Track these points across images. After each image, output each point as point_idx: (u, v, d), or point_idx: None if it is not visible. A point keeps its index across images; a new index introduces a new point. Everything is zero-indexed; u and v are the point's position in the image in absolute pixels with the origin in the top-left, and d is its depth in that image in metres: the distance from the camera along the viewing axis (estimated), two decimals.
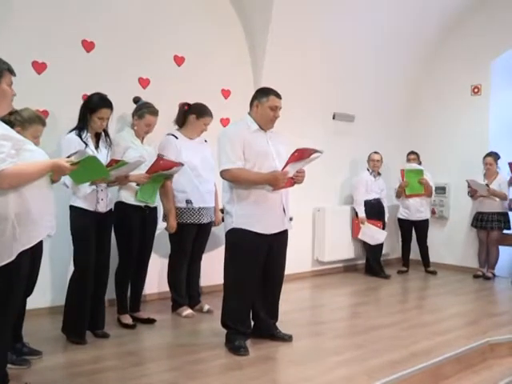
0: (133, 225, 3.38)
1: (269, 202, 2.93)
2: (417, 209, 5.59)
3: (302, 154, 2.84)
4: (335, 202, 5.73)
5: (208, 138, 3.78)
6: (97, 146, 3.10)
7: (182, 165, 3.45)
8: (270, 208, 2.94)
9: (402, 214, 5.66)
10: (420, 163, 5.67)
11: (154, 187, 3.42)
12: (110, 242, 3.25)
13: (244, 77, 4.80)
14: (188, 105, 3.72)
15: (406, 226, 5.66)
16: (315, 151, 2.87)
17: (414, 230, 5.68)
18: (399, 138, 6.31)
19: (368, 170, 5.60)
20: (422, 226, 5.63)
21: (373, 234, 5.38)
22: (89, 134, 3.06)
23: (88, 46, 3.82)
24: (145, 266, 3.58)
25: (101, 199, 3.08)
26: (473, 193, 5.36)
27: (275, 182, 2.84)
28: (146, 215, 3.45)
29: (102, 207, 3.10)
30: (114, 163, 2.95)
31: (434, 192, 5.62)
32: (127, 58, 4.02)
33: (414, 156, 5.69)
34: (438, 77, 6.09)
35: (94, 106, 3.03)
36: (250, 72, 4.86)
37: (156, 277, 4.20)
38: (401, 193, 5.61)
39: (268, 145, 2.99)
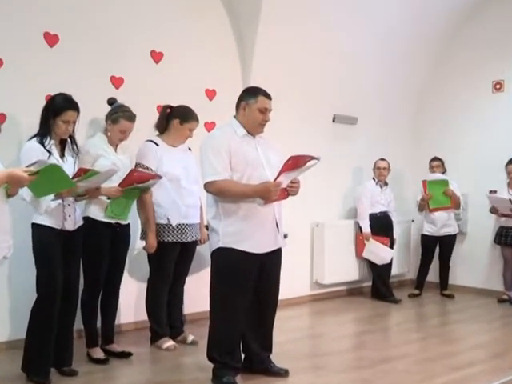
0: (101, 244, 3.37)
1: (260, 217, 2.94)
2: (444, 223, 5.58)
3: (296, 162, 2.86)
4: (336, 215, 5.75)
5: (191, 145, 3.80)
6: (62, 155, 3.07)
7: (160, 177, 3.47)
8: (261, 224, 2.95)
9: (427, 229, 5.64)
10: (445, 171, 5.64)
11: (127, 202, 3.43)
12: (80, 265, 3.24)
13: (231, 75, 4.84)
14: (170, 108, 3.74)
15: (430, 243, 5.63)
16: (311, 158, 2.89)
17: (438, 248, 5.65)
18: (409, 142, 6.36)
19: (373, 179, 5.63)
20: (448, 243, 5.61)
21: (379, 252, 5.40)
22: (52, 141, 3.02)
23: (51, 39, 3.82)
24: (115, 290, 3.57)
25: (68, 215, 3.05)
26: (494, 211, 5.36)
27: (267, 194, 2.86)
28: (117, 233, 3.45)
29: (70, 225, 3.07)
30: (83, 173, 2.90)
31: (462, 203, 5.56)
32: (97, 54, 4.04)
33: (437, 163, 5.65)
34: (453, 72, 6.08)
35: (58, 108, 3.00)
36: (237, 69, 4.90)
37: (132, 303, 4.19)
38: (423, 206, 5.56)
39: (257, 152, 3.01)
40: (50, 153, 2.98)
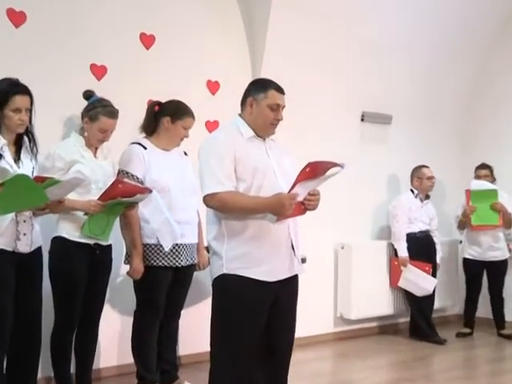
0: (76, 270, 3.38)
1: (272, 238, 2.91)
2: (490, 245, 5.55)
3: (315, 170, 2.82)
4: (365, 235, 5.76)
5: (188, 149, 3.81)
6: (17, 158, 2.98)
7: (150, 191, 3.47)
8: (273, 245, 2.92)
9: (470, 252, 5.62)
10: (494, 181, 5.61)
11: (108, 219, 3.44)
12: (41, 295, 3.18)
13: (238, 64, 4.86)
14: (159, 104, 3.75)
15: (474, 269, 5.60)
16: (334, 165, 2.86)
17: (485, 275, 5.63)
18: (453, 146, 6.36)
19: (412, 190, 5.62)
20: (497, 269, 5.57)
21: (419, 280, 5.38)
22: (4, 141, 2.94)
23: (17, 18, 3.82)
24: (93, 327, 3.58)
25: (23, 234, 2.99)
26: None
27: (280, 208, 2.82)
28: (96, 257, 3.45)
29: (25, 246, 3.01)
30: (40, 182, 2.83)
31: None
32: (74, 37, 4.05)
33: (485, 171, 5.63)
34: (507, 67, 6.12)
35: (3, 95, 2.92)
36: (246, 57, 4.92)
37: (115, 343, 4.18)
38: (465, 223, 5.56)
39: (268, 157, 2.99)
40: (0, 156, 2.90)
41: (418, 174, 5.62)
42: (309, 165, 2.82)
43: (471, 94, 6.37)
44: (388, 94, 5.75)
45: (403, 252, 5.42)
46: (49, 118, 3.68)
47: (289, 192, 2.84)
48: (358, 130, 5.68)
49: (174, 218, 3.62)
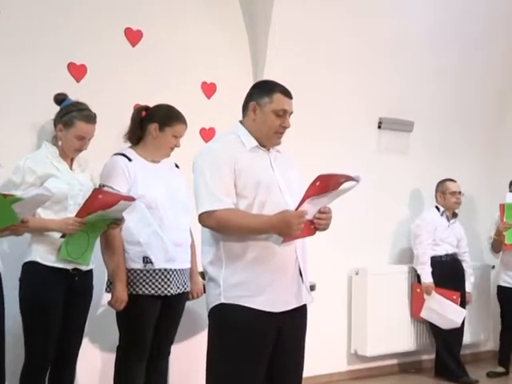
0: (52, 299, 3.36)
1: (277, 262, 2.92)
2: None
3: (326, 184, 2.83)
4: (384, 259, 5.76)
5: (181, 161, 3.81)
6: None
7: (133, 199, 3.47)
8: (278, 271, 2.92)
9: (505, 279, 5.61)
10: None
11: (89, 239, 3.43)
12: (3, 330, 3.18)
13: (238, 62, 4.88)
14: (146, 109, 3.76)
15: (510, 299, 5.60)
16: (348, 178, 2.87)
17: None
18: (485, 158, 6.36)
19: (438, 208, 5.64)
20: None
21: (445, 311, 5.37)
22: None
23: None
24: (70, 365, 3.55)
25: None
26: None
27: (286, 228, 2.82)
28: (75, 284, 3.44)
29: None
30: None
31: None
32: (49, 33, 4.06)
33: None
34: None
35: None
36: (246, 55, 4.94)
37: None
38: (499, 243, 5.52)
39: (272, 170, 3.01)
40: None
41: (441, 188, 5.63)
42: (319, 178, 2.81)
43: (503, 97, 6.38)
44: (409, 97, 5.77)
45: (427, 278, 5.41)
46: (16, 125, 3.71)
47: (296, 209, 2.84)
48: (375, 138, 5.69)
49: (166, 238, 3.61)
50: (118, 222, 3.49)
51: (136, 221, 3.60)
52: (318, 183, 2.81)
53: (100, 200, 3.32)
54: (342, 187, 2.90)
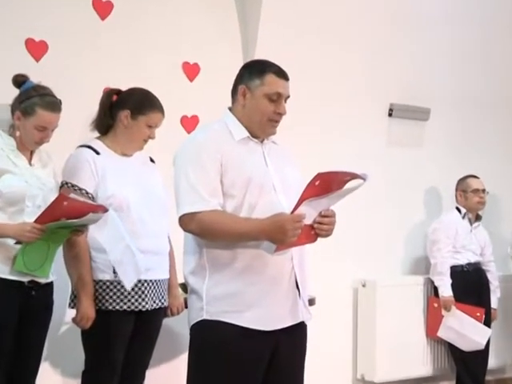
0: (4, 316, 3.33)
1: (270, 272, 2.92)
2: None
3: (327, 184, 2.83)
4: (395, 269, 5.78)
5: (158, 154, 3.82)
6: None
7: (106, 210, 3.47)
8: (271, 283, 2.92)
9: None
10: None
11: (48, 248, 3.42)
12: None
13: (225, 39, 4.88)
14: (118, 93, 3.76)
15: None
16: (353, 176, 2.87)
17: None
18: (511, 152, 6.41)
19: (458, 209, 5.67)
20: None
21: (467, 330, 5.38)
22: None
23: None
24: None
25: None
26: None
27: (281, 234, 2.82)
28: (32, 299, 3.42)
29: None
30: None
31: None
32: (2, 3, 4.05)
33: None
34: None
35: None
36: (235, 30, 4.94)
37: None
38: None
39: (266, 166, 3.01)
40: None
41: (462, 186, 5.66)
42: (318, 177, 2.80)
43: None
44: (424, 80, 5.79)
45: (446, 291, 5.43)
46: None
47: (292, 212, 2.84)
48: (385, 128, 5.71)
49: (136, 246, 3.60)
50: (82, 229, 3.50)
51: (106, 235, 3.60)
52: (317, 182, 2.80)
53: (65, 208, 3.30)
54: (346, 187, 2.89)
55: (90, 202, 3.52)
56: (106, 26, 4.44)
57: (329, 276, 5.08)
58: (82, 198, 3.50)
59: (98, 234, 3.59)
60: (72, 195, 3.47)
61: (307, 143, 4.91)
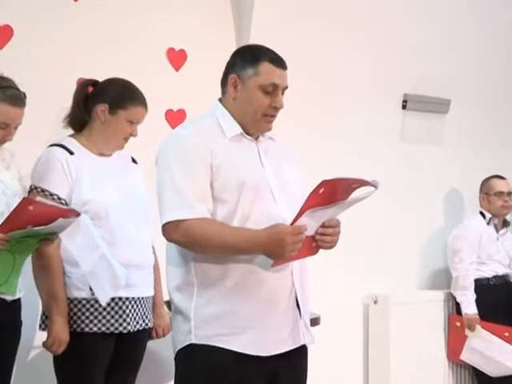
0: None
1: (266, 289, 2.92)
2: None
3: (333, 192, 2.82)
4: (411, 282, 5.80)
5: (140, 154, 3.83)
6: None
7: (78, 214, 3.45)
8: (267, 301, 2.93)
9: None
10: None
11: (14, 260, 3.41)
12: None
13: (215, 23, 4.89)
14: (94, 84, 3.77)
15: None
16: (362, 183, 2.87)
17: None
18: None
19: (482, 214, 5.69)
20: None
21: (494, 353, 5.38)
22: None
23: None
24: None
25: None
26: None
27: (278, 248, 2.82)
28: None
29: None
30: None
31: None
32: None
33: None
34: None
35: None
36: (226, 12, 4.95)
37: None
38: None
39: (262, 166, 3.02)
40: None
41: (485, 188, 5.69)
42: (323, 184, 2.79)
43: None
44: (444, 68, 5.81)
45: (470, 307, 5.44)
46: None
47: (292, 223, 2.83)
48: (398, 122, 5.73)
49: (119, 257, 3.61)
50: (52, 237, 3.47)
51: (78, 243, 3.60)
52: (321, 190, 2.79)
53: (31, 213, 3.27)
54: (353, 196, 2.89)
55: (60, 205, 3.50)
56: (80, 8, 4.44)
57: (336, 292, 5.11)
58: (50, 202, 3.49)
59: (69, 242, 3.58)
60: (39, 198, 3.47)
61: (307, 141, 4.92)
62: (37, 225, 3.31)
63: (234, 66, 3.04)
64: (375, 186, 2.86)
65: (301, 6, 5.03)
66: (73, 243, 3.59)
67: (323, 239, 2.93)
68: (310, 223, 2.85)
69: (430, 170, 5.83)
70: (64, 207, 3.49)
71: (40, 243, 3.46)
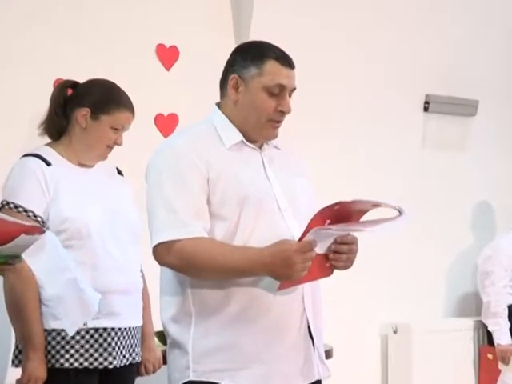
0: None
1: (273, 318, 2.92)
2: None
3: (349, 211, 2.84)
4: (436, 310, 5.81)
5: (127, 165, 3.86)
6: None
7: (43, 230, 3.42)
8: (275, 331, 2.93)
9: None
10: None
11: None
12: None
13: (212, 17, 4.91)
14: (73, 86, 3.78)
15: None
16: (379, 205, 2.88)
17: None
18: None
19: None
20: None
21: None
22: None
23: None
24: None
25: None
26: None
27: (285, 267, 2.80)
28: None
29: None
30: None
31: None
32: None
33: None
34: None
35: None
36: (225, 6, 4.97)
37: None
38: None
39: (267, 179, 3.03)
40: None
41: None
42: (340, 203, 2.80)
43: None
44: (471, 65, 5.85)
45: (503, 337, 5.45)
46: None
47: (300, 239, 2.83)
48: (419, 126, 5.75)
49: (100, 284, 3.60)
50: (14, 261, 3.45)
51: (44, 264, 3.60)
52: (337, 207, 2.80)
53: None
54: (374, 226, 2.91)
55: (22, 222, 3.48)
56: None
57: (350, 320, 5.12)
58: (11, 218, 3.46)
59: (31, 260, 3.55)
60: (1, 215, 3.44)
61: (316, 149, 4.92)
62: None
63: (235, 65, 3.04)
64: (400, 212, 2.86)
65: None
66: (37, 264, 3.56)
67: (338, 258, 2.93)
68: (321, 239, 2.85)
69: (455, 181, 5.85)
70: (27, 223, 3.44)
71: (4, 266, 3.43)
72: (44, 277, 3.59)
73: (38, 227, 3.36)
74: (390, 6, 5.44)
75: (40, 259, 3.55)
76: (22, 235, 3.27)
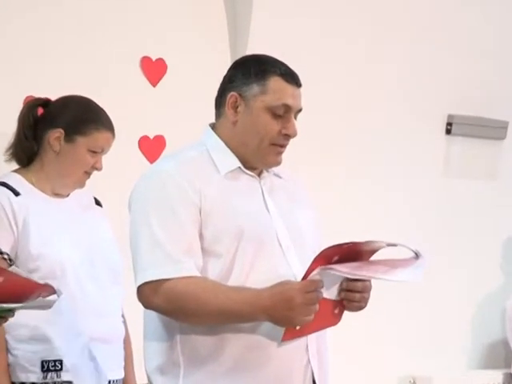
0: None
1: (273, 369, 2.93)
2: None
3: (357, 251, 2.85)
4: (460, 361, 5.81)
5: (106, 194, 3.89)
6: None
7: (54, 292, 3.42)
8: (275, 382, 2.95)
9: None
10: None
11: None
12: None
13: (205, 27, 4.95)
14: (45, 104, 3.80)
15: None
16: (393, 245, 2.90)
17: None
18: None
19: None
20: None
21: None
22: None
23: None
24: None
25: None
26: None
27: (288, 310, 2.80)
28: None
29: None
30: None
31: None
32: None
33: None
34: None
35: None
36: (219, 13, 5.01)
37: None
38: None
39: (267, 211, 3.04)
40: None
41: None
42: (352, 244, 2.83)
43: None
44: (499, 82, 5.89)
45: None
46: None
47: (304, 278, 2.84)
48: (441, 150, 5.80)
49: (78, 328, 3.61)
50: (7, 314, 3.45)
51: (61, 330, 3.61)
52: (346, 246, 2.81)
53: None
54: (385, 258, 2.90)
55: (33, 279, 3.48)
56: (31, 5, 4.51)
57: (365, 372, 5.14)
58: (23, 273, 3.45)
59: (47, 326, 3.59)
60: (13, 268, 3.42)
61: (323, 176, 4.98)
62: (4, 301, 3.30)
63: (234, 82, 3.05)
64: (417, 255, 2.88)
65: (307, 7, 5.13)
66: (53, 328, 3.59)
67: (351, 297, 2.94)
68: (328, 282, 2.86)
69: (483, 213, 5.87)
70: (37, 281, 3.43)
71: None
72: (63, 346, 3.61)
73: (51, 287, 3.37)
74: (405, 14, 5.49)
75: (57, 323, 3.57)
76: (40, 298, 3.27)
